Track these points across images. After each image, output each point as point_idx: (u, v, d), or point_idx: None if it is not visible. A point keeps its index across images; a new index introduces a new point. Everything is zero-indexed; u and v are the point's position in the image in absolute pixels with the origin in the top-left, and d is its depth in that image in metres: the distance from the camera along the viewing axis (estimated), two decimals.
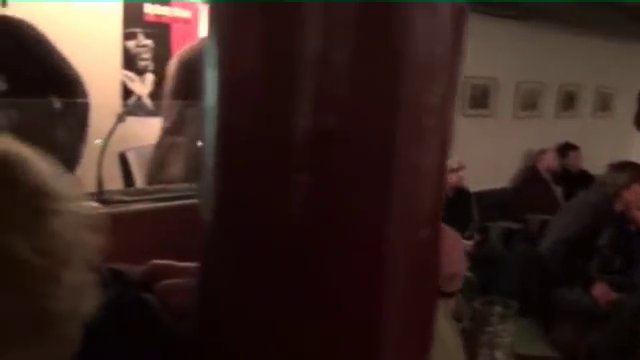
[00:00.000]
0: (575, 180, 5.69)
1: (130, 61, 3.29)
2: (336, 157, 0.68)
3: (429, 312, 0.81)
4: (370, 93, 0.67)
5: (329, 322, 0.71)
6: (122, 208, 1.63)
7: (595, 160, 5.71)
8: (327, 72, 0.66)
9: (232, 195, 0.73)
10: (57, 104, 2.11)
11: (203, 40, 2.36)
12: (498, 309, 1.67)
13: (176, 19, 3.46)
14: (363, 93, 0.67)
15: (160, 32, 3.38)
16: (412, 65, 0.68)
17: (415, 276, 0.74)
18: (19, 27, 2.15)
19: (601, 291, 3.45)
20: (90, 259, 0.67)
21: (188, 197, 1.67)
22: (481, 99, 5.55)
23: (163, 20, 3.41)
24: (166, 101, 2.37)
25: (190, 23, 3.50)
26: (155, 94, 3.28)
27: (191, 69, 2.19)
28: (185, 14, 3.48)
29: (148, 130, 2.57)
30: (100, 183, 1.70)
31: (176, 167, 2.29)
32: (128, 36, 3.27)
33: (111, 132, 1.86)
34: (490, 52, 5.06)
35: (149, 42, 3.35)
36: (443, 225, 0.81)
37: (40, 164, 0.67)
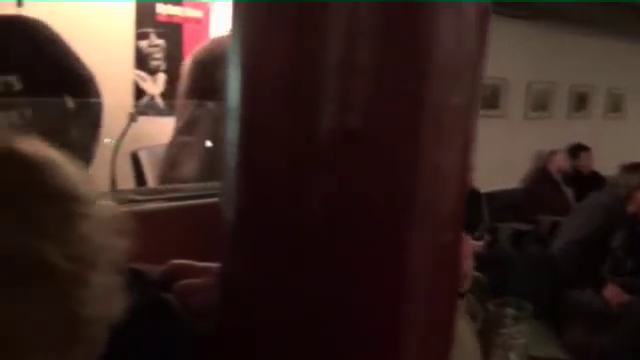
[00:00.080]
0: (586, 181, 5.65)
1: (142, 61, 3.29)
2: (360, 157, 0.68)
3: (450, 314, 0.81)
4: (394, 93, 0.67)
5: (352, 323, 0.71)
6: (134, 207, 1.63)
7: (606, 161, 5.68)
8: (352, 72, 0.66)
9: (255, 195, 0.73)
10: (70, 104, 2.12)
11: (217, 40, 2.37)
12: (512, 311, 1.67)
13: (188, 19, 3.46)
14: (387, 93, 0.67)
15: (172, 32, 3.39)
16: (437, 65, 0.67)
17: (438, 276, 0.74)
18: (34, 27, 2.16)
19: (613, 293, 3.44)
20: (116, 262, 0.67)
21: (200, 197, 1.67)
22: (492, 99, 5.52)
23: (175, 20, 3.42)
24: (180, 101, 2.37)
25: (202, 23, 3.50)
26: (167, 94, 3.28)
27: (206, 69, 2.19)
28: (197, 14, 3.48)
29: (160, 130, 2.57)
30: (113, 182, 1.71)
31: (188, 167, 2.28)
32: (140, 36, 3.28)
33: (124, 132, 1.86)
34: (501, 52, 5.03)
35: (161, 42, 3.35)
36: None
37: (68, 167, 0.66)
